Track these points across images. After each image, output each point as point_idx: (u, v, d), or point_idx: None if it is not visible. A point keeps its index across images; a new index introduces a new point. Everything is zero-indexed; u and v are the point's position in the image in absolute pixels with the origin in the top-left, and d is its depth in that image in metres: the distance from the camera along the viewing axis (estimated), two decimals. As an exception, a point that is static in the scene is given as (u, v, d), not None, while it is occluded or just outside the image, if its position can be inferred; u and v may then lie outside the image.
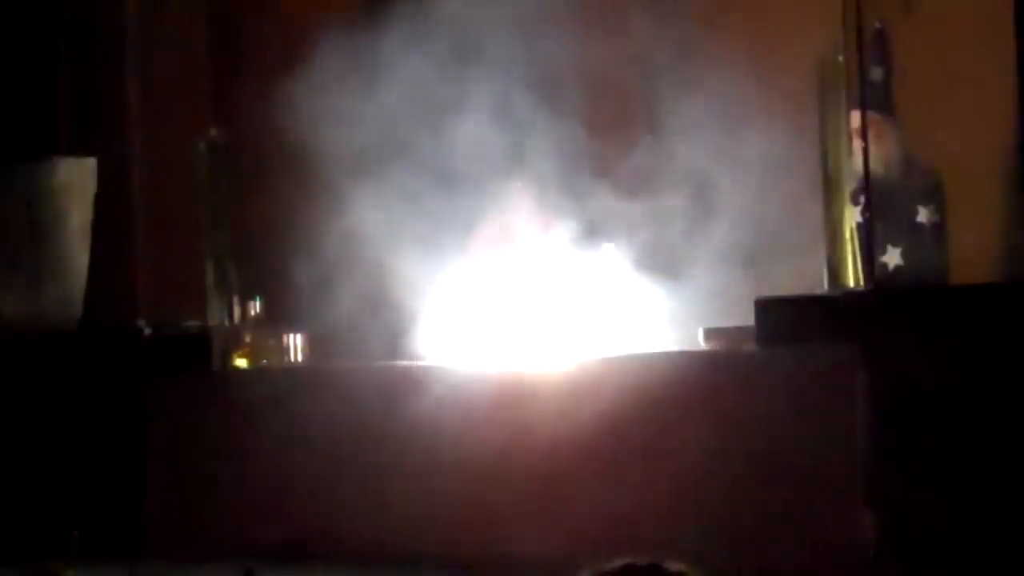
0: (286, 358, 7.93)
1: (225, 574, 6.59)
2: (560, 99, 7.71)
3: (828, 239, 6.61)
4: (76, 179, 8.56)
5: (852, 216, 6.65)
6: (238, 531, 7.38)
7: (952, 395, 6.15)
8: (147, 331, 7.96)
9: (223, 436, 7.60)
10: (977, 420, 6.12)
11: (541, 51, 7.64)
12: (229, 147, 8.18)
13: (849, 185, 6.66)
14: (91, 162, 8.60)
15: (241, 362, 7.88)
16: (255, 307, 8.06)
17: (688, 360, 6.75)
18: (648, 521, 6.46)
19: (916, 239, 7.36)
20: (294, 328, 7.94)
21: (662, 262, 7.37)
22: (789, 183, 7.04)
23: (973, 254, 7.26)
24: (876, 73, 7.40)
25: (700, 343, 6.96)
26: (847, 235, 6.59)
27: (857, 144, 6.75)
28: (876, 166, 6.84)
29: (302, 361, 7.93)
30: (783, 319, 6.50)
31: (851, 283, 6.55)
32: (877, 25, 7.37)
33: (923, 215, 7.41)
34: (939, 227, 7.40)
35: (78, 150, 8.76)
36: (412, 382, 7.10)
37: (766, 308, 6.56)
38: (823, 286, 6.58)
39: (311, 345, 7.96)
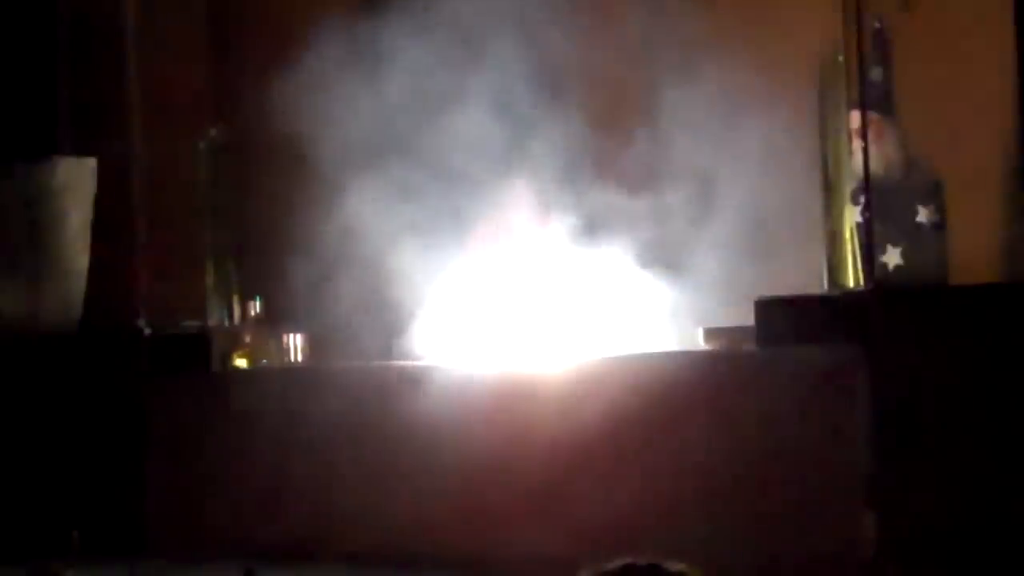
0: (286, 358, 7.93)
1: (225, 574, 6.59)
2: (560, 94, 7.71)
3: (828, 239, 6.61)
4: (76, 179, 8.56)
5: (852, 216, 6.65)
6: (238, 531, 7.38)
7: (952, 395, 6.15)
8: (147, 331, 7.96)
9: (223, 436, 7.60)
10: (977, 420, 6.12)
11: (541, 45, 7.63)
12: (229, 147, 8.18)
13: (849, 185, 6.67)
14: (91, 162, 8.60)
15: (241, 362, 7.88)
16: (255, 307, 8.06)
17: (688, 360, 6.75)
18: (648, 521, 6.46)
19: (916, 239, 7.35)
20: (293, 328, 7.94)
21: (662, 257, 7.37)
22: (789, 180, 7.04)
23: (973, 254, 7.26)
24: (876, 73, 7.39)
25: (699, 340, 6.96)
26: (847, 235, 6.59)
27: (857, 144, 6.74)
28: (876, 166, 6.84)
29: (302, 361, 7.93)
30: (783, 319, 6.50)
31: (851, 283, 6.55)
32: (877, 25, 7.36)
33: (923, 215, 7.40)
34: (939, 227, 7.39)
35: (78, 150, 8.76)
36: (411, 382, 7.10)
37: (766, 308, 6.57)
38: (823, 284, 6.59)
39: (311, 345, 7.96)
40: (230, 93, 8.84)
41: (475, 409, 6.88)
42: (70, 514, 7.60)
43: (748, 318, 6.64)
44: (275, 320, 8.06)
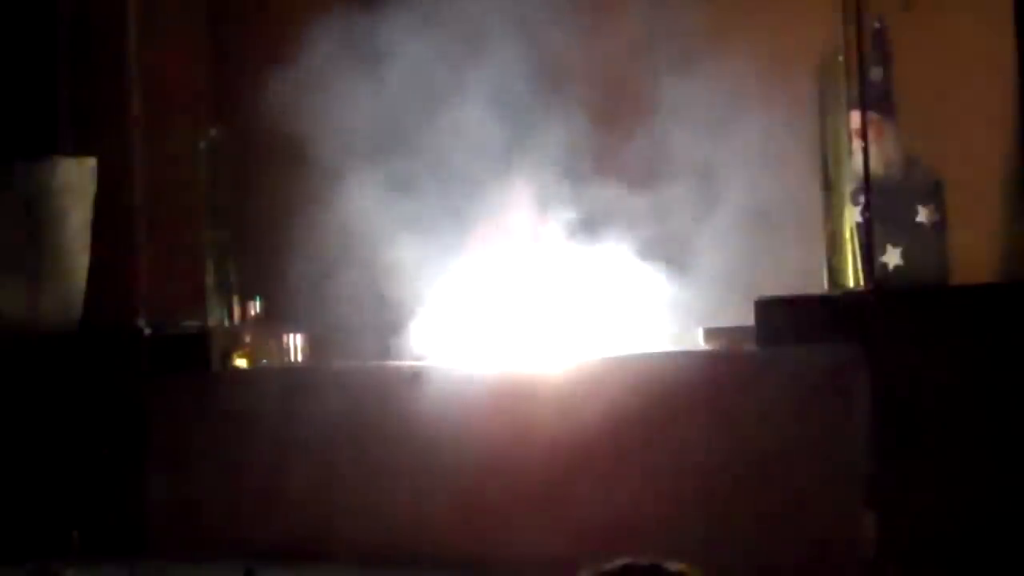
0: (286, 358, 7.93)
1: (225, 574, 6.59)
2: (560, 90, 7.70)
3: (828, 239, 6.61)
4: (76, 179, 8.56)
5: (852, 216, 6.64)
6: (238, 531, 7.38)
7: (952, 395, 6.15)
8: (147, 331, 7.96)
9: (223, 436, 7.60)
10: (977, 420, 6.12)
11: (541, 41, 7.63)
12: (229, 146, 8.18)
13: (849, 185, 6.66)
14: (91, 162, 8.60)
15: (241, 362, 7.88)
16: (255, 307, 8.06)
17: (688, 360, 6.75)
18: (648, 521, 6.46)
19: (916, 239, 7.35)
20: (293, 328, 7.94)
21: (662, 254, 7.37)
22: (789, 179, 7.04)
23: (973, 254, 7.26)
24: (876, 73, 7.39)
25: (699, 339, 6.97)
26: (847, 235, 6.59)
27: (857, 144, 6.74)
28: (876, 166, 6.84)
29: (301, 361, 7.93)
30: (783, 319, 6.50)
31: (851, 283, 6.55)
32: (877, 25, 7.36)
33: (923, 215, 7.40)
34: (939, 227, 7.39)
35: (78, 150, 8.76)
36: (411, 381, 7.10)
37: (766, 308, 6.57)
38: (823, 284, 6.59)
39: (311, 345, 7.96)
40: (230, 93, 8.85)
41: (475, 409, 6.88)
42: (70, 514, 7.60)
43: (748, 318, 6.63)
44: (275, 320, 8.06)
